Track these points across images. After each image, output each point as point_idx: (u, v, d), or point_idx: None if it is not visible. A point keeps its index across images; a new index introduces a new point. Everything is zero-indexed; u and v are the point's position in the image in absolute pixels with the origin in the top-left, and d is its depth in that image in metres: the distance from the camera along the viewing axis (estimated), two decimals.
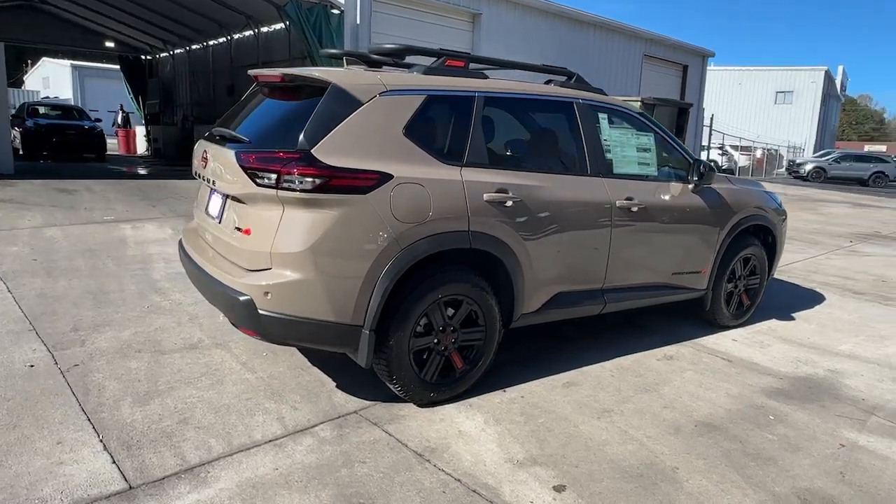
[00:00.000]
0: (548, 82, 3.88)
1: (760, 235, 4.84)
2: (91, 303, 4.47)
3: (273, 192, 2.79)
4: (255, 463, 2.65)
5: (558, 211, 3.48)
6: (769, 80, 40.00)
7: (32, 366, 3.43)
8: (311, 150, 2.80)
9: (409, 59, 3.66)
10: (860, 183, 29.06)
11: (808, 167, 29.98)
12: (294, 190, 2.75)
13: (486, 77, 3.48)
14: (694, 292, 4.45)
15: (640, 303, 4.17)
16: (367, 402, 3.25)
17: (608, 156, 3.84)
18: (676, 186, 4.17)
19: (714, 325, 4.77)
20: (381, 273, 2.89)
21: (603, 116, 3.88)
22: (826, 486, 2.72)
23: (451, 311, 3.20)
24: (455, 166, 3.15)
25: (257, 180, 2.82)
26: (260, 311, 2.82)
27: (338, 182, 2.78)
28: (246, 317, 2.86)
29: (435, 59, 3.40)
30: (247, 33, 15.95)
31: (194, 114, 18.33)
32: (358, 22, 12.02)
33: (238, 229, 3.00)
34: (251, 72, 3.53)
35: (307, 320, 2.86)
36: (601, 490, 2.60)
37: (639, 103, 13.81)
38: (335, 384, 3.42)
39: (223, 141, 3.20)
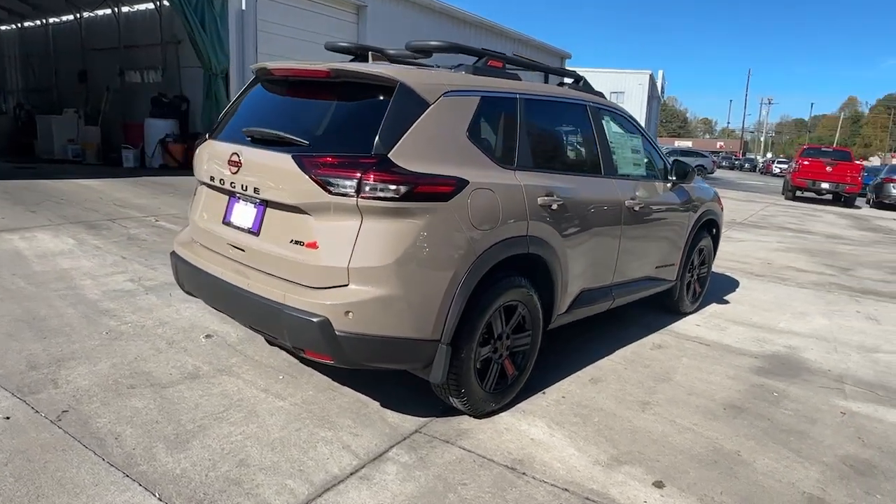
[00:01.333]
0: (561, 84, 3.93)
1: (709, 228, 5.33)
2: (31, 333, 3.72)
3: (351, 201, 2.53)
4: (353, 500, 2.41)
5: (587, 211, 3.55)
6: (605, 81, 43.70)
7: (8, 417, 2.79)
8: (389, 155, 2.59)
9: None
10: None
11: None
12: (378, 199, 2.52)
13: (519, 78, 3.44)
14: (668, 283, 4.79)
15: (635, 297, 4.40)
16: (422, 420, 3.08)
17: (614, 157, 3.99)
18: (660, 185, 4.45)
19: (675, 313, 5.17)
20: (461, 283, 2.76)
21: (607, 119, 4.03)
22: (858, 452, 3.09)
23: (505, 318, 3.14)
24: (510, 170, 3.09)
25: (331, 188, 2.54)
26: (337, 333, 2.56)
27: (422, 189, 2.59)
28: (319, 339, 2.57)
29: (477, 58, 3.30)
30: (102, 12, 14.08)
31: (31, 102, 15.84)
32: (243, 8, 11.21)
33: (297, 243, 2.67)
34: (267, 65, 3.13)
35: (387, 339, 2.64)
36: (694, 481, 2.72)
37: None
38: (378, 404, 3.20)
39: (263, 143, 2.83)
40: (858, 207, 18.63)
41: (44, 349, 3.52)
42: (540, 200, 3.16)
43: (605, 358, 4.11)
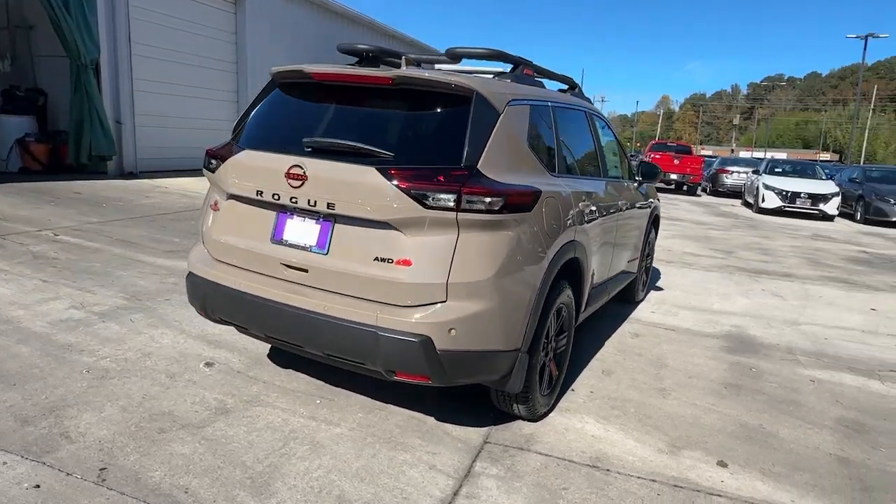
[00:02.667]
0: (563, 90, 4.06)
1: (655, 221, 5.81)
2: None
3: (450, 215, 2.45)
4: None
5: (600, 212, 3.74)
6: None
7: (38, 486, 2.33)
8: (478, 167, 2.55)
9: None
10: None
11: None
12: (477, 212, 2.46)
13: (543, 86, 3.51)
14: (634, 275, 5.16)
15: (617, 290, 4.69)
16: (482, 430, 3.07)
17: (606, 160, 4.23)
18: (631, 185, 4.78)
19: (630, 302, 5.58)
20: (538, 291, 2.79)
21: (601, 125, 4.25)
22: (844, 413, 3.60)
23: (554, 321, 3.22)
24: (555, 177, 3.16)
25: (427, 202, 2.44)
26: (439, 351, 2.47)
27: (513, 200, 2.58)
28: (419, 360, 2.47)
29: (513, 66, 3.30)
30: None
31: None
32: None
33: (384, 260, 2.52)
34: (304, 68, 2.87)
35: (483, 353, 2.61)
36: (746, 457, 3.01)
37: None
38: (434, 419, 3.12)
39: (330, 154, 2.62)
40: (699, 195, 21.18)
41: (23, 398, 2.96)
42: (580, 205, 3.28)
43: (601, 350, 4.34)
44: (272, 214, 2.79)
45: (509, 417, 3.18)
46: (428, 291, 2.49)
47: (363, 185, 2.51)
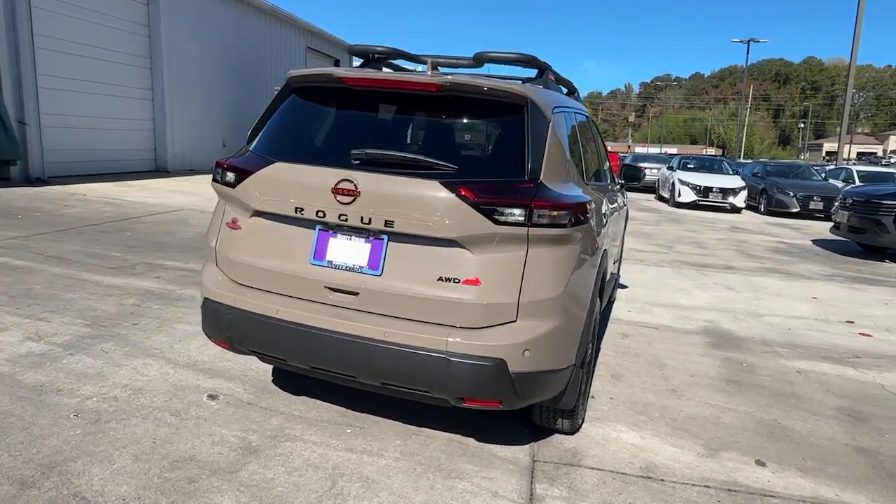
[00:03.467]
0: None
1: (626, 221, 5.93)
2: None
3: (521, 231, 2.33)
4: None
5: (607, 217, 3.73)
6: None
7: None
8: (541, 180, 2.44)
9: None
10: None
11: None
12: (547, 226, 2.36)
13: (562, 91, 3.45)
14: (616, 276, 5.24)
15: (611, 292, 4.73)
16: (525, 447, 2.97)
17: (605, 164, 4.24)
18: (615, 187, 4.84)
19: (609, 301, 5.68)
20: (591, 303, 2.73)
21: (595, 129, 4.25)
22: (840, 402, 3.81)
23: None
24: (587, 184, 3.11)
25: (498, 218, 2.30)
26: (512, 374, 2.35)
27: (577, 213, 2.49)
28: (493, 384, 2.34)
29: (540, 71, 3.20)
30: None
31: None
32: None
33: (449, 280, 2.36)
34: (334, 72, 2.63)
35: (549, 372, 2.51)
36: (778, 454, 3.10)
37: None
38: (474, 440, 2.98)
39: (382, 167, 2.41)
40: None
41: (11, 455, 2.54)
42: (600, 212, 3.25)
43: (602, 353, 4.37)
44: (311, 233, 2.55)
45: (545, 432, 3.10)
46: (498, 311, 2.36)
47: (427, 201, 2.33)
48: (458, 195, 2.30)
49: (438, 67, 3.39)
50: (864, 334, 5.34)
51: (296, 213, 2.51)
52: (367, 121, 2.68)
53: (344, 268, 2.48)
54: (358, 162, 2.45)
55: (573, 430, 3.08)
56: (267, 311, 2.53)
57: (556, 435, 3.10)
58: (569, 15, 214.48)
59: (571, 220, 2.43)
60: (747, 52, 41.19)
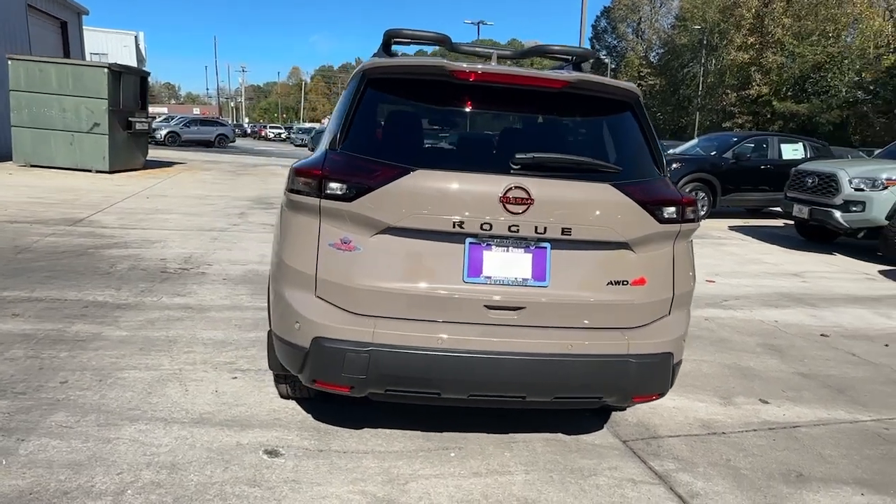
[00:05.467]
0: None
1: None
2: None
3: (675, 228, 2.41)
4: None
5: None
6: (89, 41, 37.83)
7: None
8: (667, 176, 2.54)
9: None
10: (206, 144, 32.43)
11: (164, 132, 31.10)
12: (689, 221, 2.48)
13: None
14: None
15: None
16: (603, 431, 3.09)
17: None
18: None
19: None
20: None
21: None
22: (758, 340, 4.68)
23: None
24: None
25: (662, 217, 2.35)
26: (674, 365, 2.46)
27: (698, 208, 2.64)
28: (662, 378, 2.42)
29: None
30: None
31: None
32: None
33: (617, 283, 2.33)
34: (445, 65, 2.30)
35: (680, 360, 2.65)
36: (763, 390, 3.74)
37: (106, 71, 11.99)
38: (562, 433, 3.01)
39: (544, 171, 2.23)
40: None
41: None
42: None
43: None
44: (459, 248, 2.26)
45: (601, 412, 3.24)
46: (659, 308, 2.43)
47: (603, 205, 2.26)
48: (631, 197, 2.29)
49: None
50: (709, 280, 6.55)
51: (454, 227, 2.20)
52: (486, 119, 2.45)
53: (507, 282, 2.27)
54: (519, 167, 2.25)
55: (625, 406, 3.29)
56: (426, 342, 2.20)
57: (617, 413, 3.28)
58: None
59: (699, 215, 2.59)
60: (478, 34, 45.22)
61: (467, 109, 2.47)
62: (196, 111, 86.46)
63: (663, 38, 54.05)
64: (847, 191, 7.86)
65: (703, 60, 45.15)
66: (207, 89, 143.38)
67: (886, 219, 7.63)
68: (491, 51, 2.91)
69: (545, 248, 2.30)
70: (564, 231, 2.26)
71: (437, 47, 2.99)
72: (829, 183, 8.12)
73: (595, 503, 2.46)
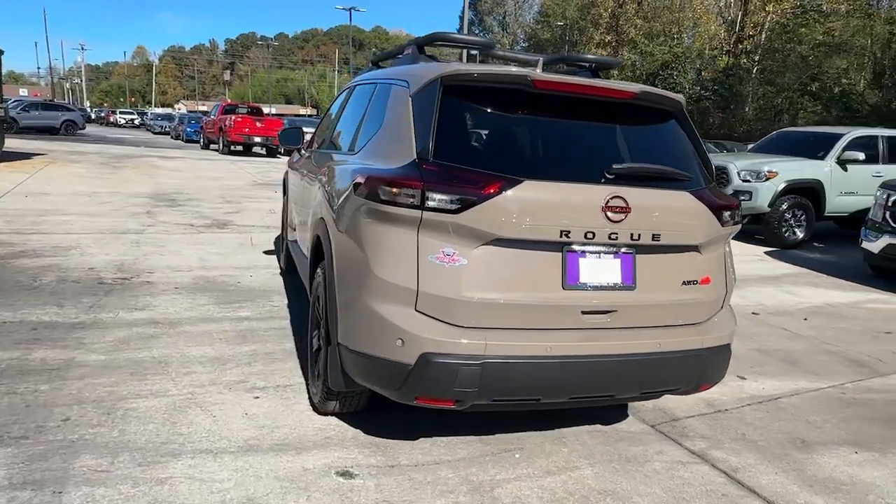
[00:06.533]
0: None
1: None
2: None
3: (728, 229, 2.64)
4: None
5: None
6: None
7: None
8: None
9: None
10: (50, 132, 28.92)
11: None
12: (738, 223, 2.72)
13: None
14: None
15: None
16: (631, 418, 3.29)
17: None
18: None
19: None
20: None
21: None
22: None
23: None
24: None
25: (724, 220, 2.57)
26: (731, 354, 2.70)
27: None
28: (723, 367, 2.68)
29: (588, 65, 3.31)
30: None
31: None
32: None
33: (689, 283, 2.51)
34: (530, 75, 2.31)
35: None
36: (733, 366, 4.17)
37: None
38: (599, 424, 3.17)
39: (638, 180, 2.33)
40: (279, 156, 21.66)
41: None
42: None
43: None
44: (556, 256, 2.31)
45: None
46: (717, 303, 2.65)
47: (683, 211, 2.43)
48: (704, 203, 2.47)
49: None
50: None
51: (560, 236, 2.24)
52: (563, 128, 2.50)
53: (601, 287, 2.36)
54: (613, 176, 2.33)
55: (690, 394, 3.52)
56: (535, 351, 2.23)
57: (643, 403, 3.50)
58: None
59: (742, 216, 2.85)
60: (350, 18, 44.52)
61: (545, 118, 2.50)
62: (23, 92, 76.45)
63: (528, 32, 56.58)
64: (736, 182, 8.85)
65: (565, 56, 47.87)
66: (39, 68, 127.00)
67: (769, 206, 8.71)
68: (536, 58, 2.96)
69: (632, 253, 2.42)
70: (654, 237, 2.40)
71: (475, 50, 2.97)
72: (720, 175, 9.07)
73: (664, 488, 2.65)
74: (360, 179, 2.41)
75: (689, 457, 2.93)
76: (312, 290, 3.17)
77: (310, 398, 3.10)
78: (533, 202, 2.24)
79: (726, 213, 2.60)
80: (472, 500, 2.44)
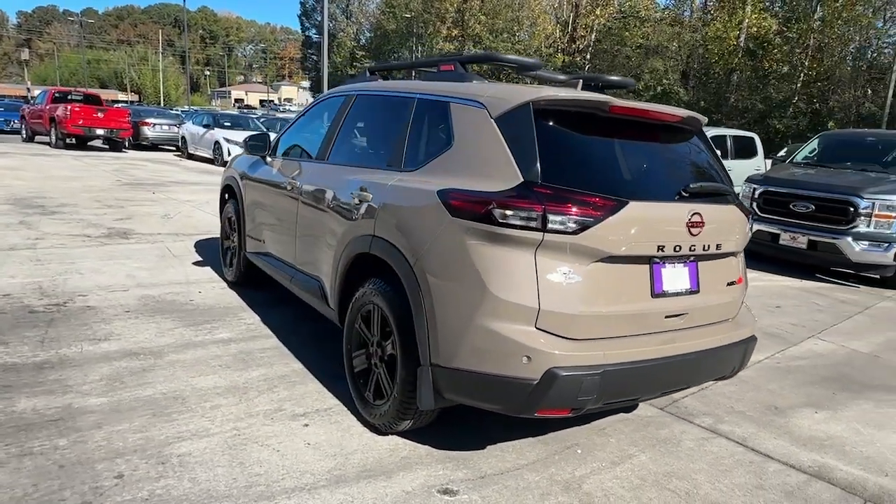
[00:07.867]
0: None
1: None
2: None
3: (749, 236, 3.06)
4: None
5: None
6: None
7: None
8: None
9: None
10: None
11: None
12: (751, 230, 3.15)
13: None
14: None
15: None
16: (640, 408, 3.68)
17: None
18: None
19: None
20: None
21: None
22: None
23: None
24: None
25: (748, 228, 2.98)
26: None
27: None
28: (749, 357, 3.07)
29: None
30: None
31: None
32: None
33: (731, 283, 2.90)
34: (610, 101, 2.49)
35: None
36: None
37: None
38: (624, 413, 3.49)
39: (705, 197, 2.66)
40: (126, 151, 19.48)
41: None
42: None
43: None
44: (644, 268, 2.54)
45: None
46: (742, 300, 3.06)
47: (735, 222, 2.81)
48: (744, 213, 2.86)
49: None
50: None
51: (657, 251, 2.48)
52: (630, 149, 2.72)
53: (677, 294, 2.64)
54: (688, 194, 2.61)
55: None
56: (640, 355, 2.45)
57: None
58: None
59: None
60: (184, 3, 40.92)
61: (620, 141, 2.70)
62: None
63: (372, 21, 56.37)
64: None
65: (413, 47, 48.56)
66: None
67: None
68: (577, 78, 3.15)
69: (695, 262, 2.73)
70: (718, 247, 2.73)
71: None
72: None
73: (707, 463, 3.02)
74: (460, 201, 2.44)
75: (706, 433, 3.34)
76: (352, 310, 3.10)
77: (364, 419, 3.04)
78: (637, 221, 2.45)
79: (749, 222, 3.02)
80: (569, 498, 2.61)
